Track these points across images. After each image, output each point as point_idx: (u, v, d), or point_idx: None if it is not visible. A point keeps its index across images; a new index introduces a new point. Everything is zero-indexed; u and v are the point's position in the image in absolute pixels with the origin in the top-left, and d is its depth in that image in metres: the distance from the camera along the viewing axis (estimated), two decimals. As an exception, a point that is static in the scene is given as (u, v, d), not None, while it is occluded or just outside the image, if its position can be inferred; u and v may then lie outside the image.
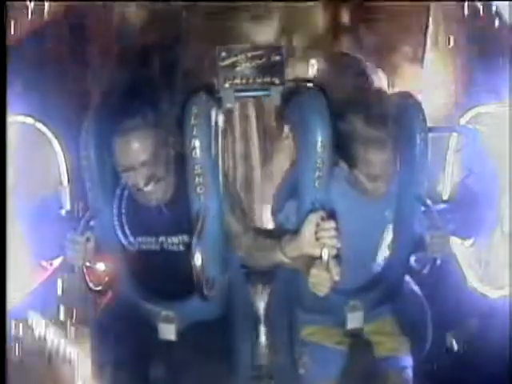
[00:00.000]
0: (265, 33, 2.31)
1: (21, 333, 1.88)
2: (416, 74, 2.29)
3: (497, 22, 1.49)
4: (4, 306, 1.40)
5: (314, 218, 1.26)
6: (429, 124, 1.50)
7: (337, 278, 1.24)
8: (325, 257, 1.23)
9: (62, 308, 2.03)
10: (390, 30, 2.30)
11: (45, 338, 1.97)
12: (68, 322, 2.05)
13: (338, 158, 1.48)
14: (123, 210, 1.50)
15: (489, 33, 1.59)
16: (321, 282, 1.26)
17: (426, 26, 2.25)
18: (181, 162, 1.46)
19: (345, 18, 2.40)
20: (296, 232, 1.29)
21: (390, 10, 2.29)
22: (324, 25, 2.39)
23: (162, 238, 1.50)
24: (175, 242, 1.50)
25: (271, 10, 2.32)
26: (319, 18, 2.39)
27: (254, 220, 2.23)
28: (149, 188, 1.40)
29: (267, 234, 1.50)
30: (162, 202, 1.48)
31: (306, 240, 1.26)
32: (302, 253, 1.29)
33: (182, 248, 1.49)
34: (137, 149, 1.36)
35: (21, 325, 1.89)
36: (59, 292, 1.97)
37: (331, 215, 1.30)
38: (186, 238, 1.48)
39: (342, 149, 1.45)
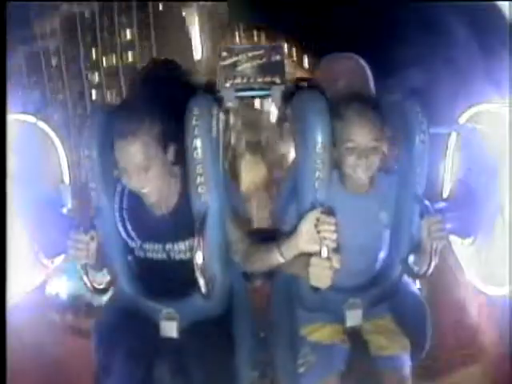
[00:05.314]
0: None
1: (21, 331, 1.89)
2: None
3: (498, 21, 1.50)
4: (4, 305, 1.40)
5: (312, 216, 1.27)
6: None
7: (337, 265, 1.24)
8: (324, 251, 1.24)
9: (63, 306, 2.03)
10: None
11: (46, 336, 1.98)
12: (69, 321, 2.06)
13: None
14: (124, 206, 1.50)
15: (489, 31, 1.60)
16: (322, 271, 1.25)
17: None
18: (183, 170, 1.45)
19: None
20: (293, 231, 1.30)
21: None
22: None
23: (168, 246, 1.50)
24: (182, 248, 1.50)
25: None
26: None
27: (253, 222, 2.23)
28: (145, 191, 1.41)
29: (265, 236, 1.49)
30: (166, 211, 1.48)
31: (303, 237, 1.27)
32: (299, 251, 1.30)
33: (188, 255, 1.48)
34: (134, 152, 1.34)
35: (21, 323, 1.89)
36: (60, 290, 1.98)
37: (330, 213, 1.30)
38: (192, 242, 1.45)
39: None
